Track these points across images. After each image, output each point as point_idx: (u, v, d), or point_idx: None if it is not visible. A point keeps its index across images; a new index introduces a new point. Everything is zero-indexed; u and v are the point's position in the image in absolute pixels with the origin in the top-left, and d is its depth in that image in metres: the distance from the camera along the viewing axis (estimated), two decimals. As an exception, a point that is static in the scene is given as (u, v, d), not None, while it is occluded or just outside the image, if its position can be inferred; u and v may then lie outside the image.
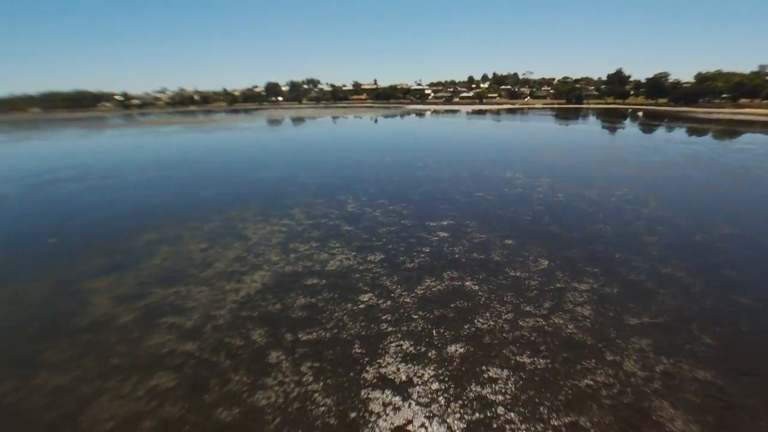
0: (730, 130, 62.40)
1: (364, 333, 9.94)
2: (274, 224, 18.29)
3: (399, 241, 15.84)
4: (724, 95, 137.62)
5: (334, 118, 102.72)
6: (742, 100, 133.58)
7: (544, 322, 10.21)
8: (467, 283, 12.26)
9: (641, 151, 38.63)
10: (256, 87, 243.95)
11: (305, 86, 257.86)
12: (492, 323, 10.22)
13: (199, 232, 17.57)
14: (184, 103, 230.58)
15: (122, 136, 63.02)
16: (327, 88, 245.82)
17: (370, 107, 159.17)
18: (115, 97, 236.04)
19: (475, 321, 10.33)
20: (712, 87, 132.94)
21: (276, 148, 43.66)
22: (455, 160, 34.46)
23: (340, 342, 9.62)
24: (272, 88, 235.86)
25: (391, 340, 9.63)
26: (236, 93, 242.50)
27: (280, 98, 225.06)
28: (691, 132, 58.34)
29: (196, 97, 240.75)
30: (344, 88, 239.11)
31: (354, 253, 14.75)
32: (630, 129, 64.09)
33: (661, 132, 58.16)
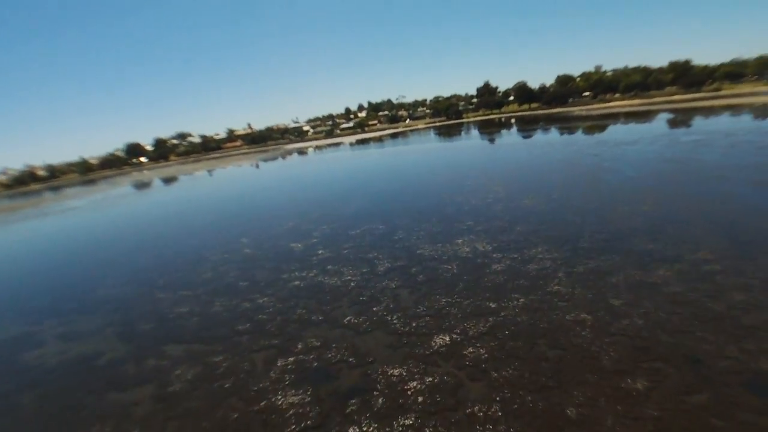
0: (600, 125, 56.80)
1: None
2: None
3: None
4: (586, 93, 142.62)
5: (209, 171, 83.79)
6: (600, 96, 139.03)
7: None
8: None
9: (610, 165, 27.98)
10: (119, 150, 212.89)
11: (174, 141, 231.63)
12: None
13: None
14: (25, 182, 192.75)
15: None
16: (198, 140, 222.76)
17: (245, 153, 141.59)
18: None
19: None
20: (575, 87, 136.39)
21: (88, 257, 25.64)
22: (388, 239, 20.53)
23: None
24: (133, 149, 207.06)
25: None
26: (93, 161, 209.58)
27: (143, 159, 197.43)
28: (595, 130, 51.13)
29: (41, 172, 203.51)
30: (217, 137, 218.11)
31: None
32: (521, 138, 55.66)
33: (572, 137, 50.06)
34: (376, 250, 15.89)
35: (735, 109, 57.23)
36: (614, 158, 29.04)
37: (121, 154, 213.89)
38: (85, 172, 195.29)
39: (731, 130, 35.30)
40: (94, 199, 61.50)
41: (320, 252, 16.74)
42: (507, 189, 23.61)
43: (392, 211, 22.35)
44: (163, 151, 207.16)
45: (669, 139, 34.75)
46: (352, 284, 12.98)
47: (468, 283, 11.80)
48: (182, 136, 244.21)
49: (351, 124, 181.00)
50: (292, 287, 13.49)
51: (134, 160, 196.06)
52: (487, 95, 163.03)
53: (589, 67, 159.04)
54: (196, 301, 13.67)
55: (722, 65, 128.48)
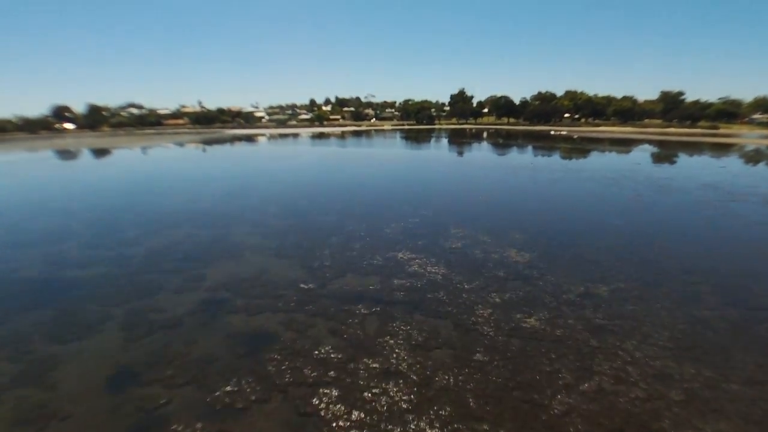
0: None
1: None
2: None
3: None
4: (567, 114, 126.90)
5: (143, 149, 58.44)
6: (582, 120, 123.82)
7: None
8: None
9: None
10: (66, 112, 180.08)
11: (122, 112, 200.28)
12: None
13: None
14: None
15: None
16: (141, 112, 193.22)
17: (179, 134, 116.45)
18: None
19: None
20: (559, 106, 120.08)
21: None
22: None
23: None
24: (60, 113, 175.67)
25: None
26: (12, 120, 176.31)
27: (67, 125, 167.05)
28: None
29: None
30: (161, 112, 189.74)
31: None
32: (553, 165, 36.54)
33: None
34: None
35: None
36: None
37: (47, 117, 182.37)
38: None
39: None
40: None
41: None
42: None
43: None
44: (95, 119, 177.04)
45: None
46: None
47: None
48: (135, 107, 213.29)
49: (309, 116, 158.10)
50: None
51: (56, 126, 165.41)
52: (462, 103, 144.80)
53: (562, 89, 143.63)
54: None
55: (714, 103, 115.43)
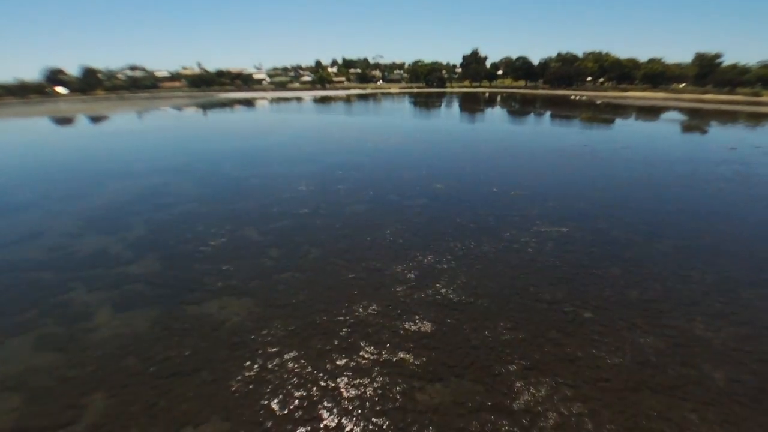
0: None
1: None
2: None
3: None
4: (588, 78, 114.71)
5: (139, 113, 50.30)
6: (606, 84, 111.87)
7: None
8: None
9: None
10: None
11: (120, 74, 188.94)
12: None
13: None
14: None
15: None
16: (137, 74, 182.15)
17: (170, 97, 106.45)
18: None
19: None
20: (582, 68, 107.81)
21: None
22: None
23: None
24: (53, 76, 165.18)
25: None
26: (3, 85, 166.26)
27: (60, 89, 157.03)
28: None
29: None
30: (158, 74, 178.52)
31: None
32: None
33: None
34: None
35: None
36: None
37: (39, 81, 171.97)
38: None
39: None
40: None
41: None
42: None
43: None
44: (89, 82, 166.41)
45: None
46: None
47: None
48: (135, 69, 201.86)
49: (311, 77, 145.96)
50: None
51: (48, 90, 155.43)
52: (475, 65, 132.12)
53: (581, 51, 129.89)
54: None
55: (752, 67, 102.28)
